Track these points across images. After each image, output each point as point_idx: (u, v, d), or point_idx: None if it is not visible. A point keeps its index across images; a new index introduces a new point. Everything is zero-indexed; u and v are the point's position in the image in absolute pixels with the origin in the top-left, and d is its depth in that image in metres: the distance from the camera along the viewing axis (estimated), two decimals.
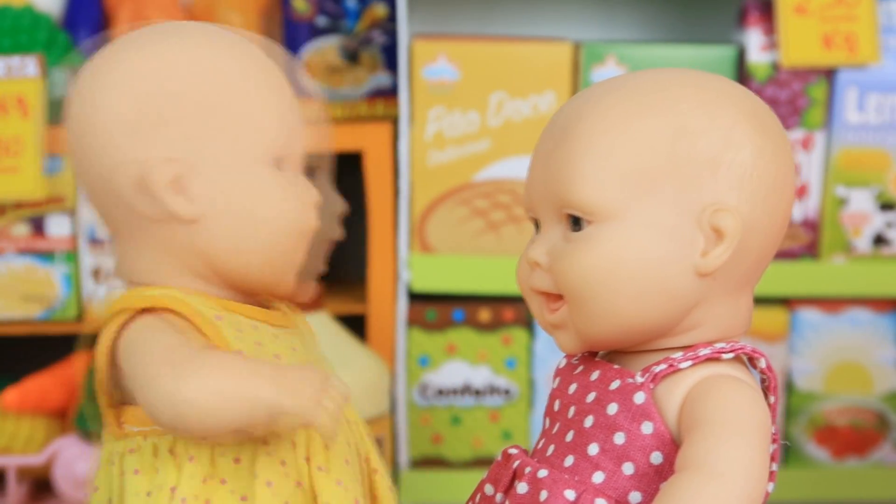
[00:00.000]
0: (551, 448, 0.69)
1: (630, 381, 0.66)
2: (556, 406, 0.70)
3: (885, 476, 1.32)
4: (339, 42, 1.41)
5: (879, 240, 1.29)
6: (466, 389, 1.30)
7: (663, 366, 0.65)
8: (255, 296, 0.73)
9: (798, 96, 1.25)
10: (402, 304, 1.29)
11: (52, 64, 1.28)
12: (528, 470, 0.68)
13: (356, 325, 1.33)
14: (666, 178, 0.65)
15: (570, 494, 0.65)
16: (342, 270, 1.54)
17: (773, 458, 0.66)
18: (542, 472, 0.67)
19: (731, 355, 0.66)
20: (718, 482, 0.59)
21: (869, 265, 1.29)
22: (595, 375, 0.68)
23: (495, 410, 1.30)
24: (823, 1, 1.25)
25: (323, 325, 1.19)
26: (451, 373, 1.30)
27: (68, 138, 0.72)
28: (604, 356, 0.70)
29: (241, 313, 0.71)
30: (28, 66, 1.24)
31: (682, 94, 0.67)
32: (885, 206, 1.28)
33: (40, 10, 1.36)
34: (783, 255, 1.29)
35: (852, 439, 1.33)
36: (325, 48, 1.41)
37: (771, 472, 0.66)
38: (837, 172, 1.26)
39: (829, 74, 1.25)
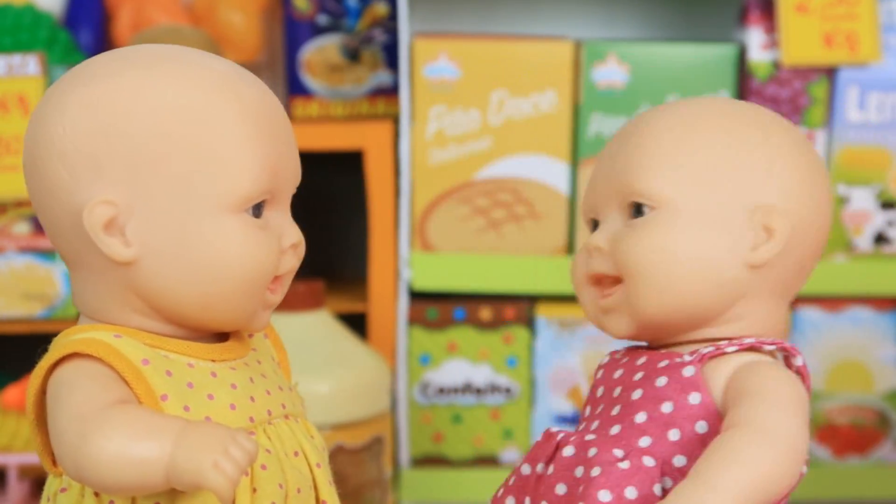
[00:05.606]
0: (595, 423, 0.72)
1: (678, 360, 0.70)
2: (600, 392, 0.73)
3: (885, 475, 1.32)
4: (340, 40, 1.41)
5: (880, 238, 1.29)
6: (467, 388, 1.30)
7: (711, 348, 0.70)
8: (199, 331, 0.71)
9: (799, 95, 1.25)
10: (403, 303, 1.29)
11: (54, 62, 1.28)
12: (573, 438, 0.71)
13: (357, 323, 1.33)
14: (724, 177, 0.71)
15: (618, 452, 0.68)
16: (343, 269, 1.54)
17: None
18: (590, 437, 0.70)
19: (772, 347, 0.71)
20: (766, 437, 0.62)
21: (870, 264, 1.29)
22: (642, 360, 0.72)
23: (496, 409, 1.30)
24: None
25: (323, 324, 1.20)
26: (452, 371, 1.30)
27: (23, 163, 0.70)
28: (647, 349, 0.74)
29: (178, 352, 0.69)
30: (29, 64, 1.24)
31: (737, 115, 0.73)
32: (886, 205, 1.28)
33: (41, 8, 1.36)
34: None
35: (853, 438, 1.33)
36: (326, 47, 1.41)
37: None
38: (838, 171, 1.26)
39: (830, 73, 1.25)
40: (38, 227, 1.26)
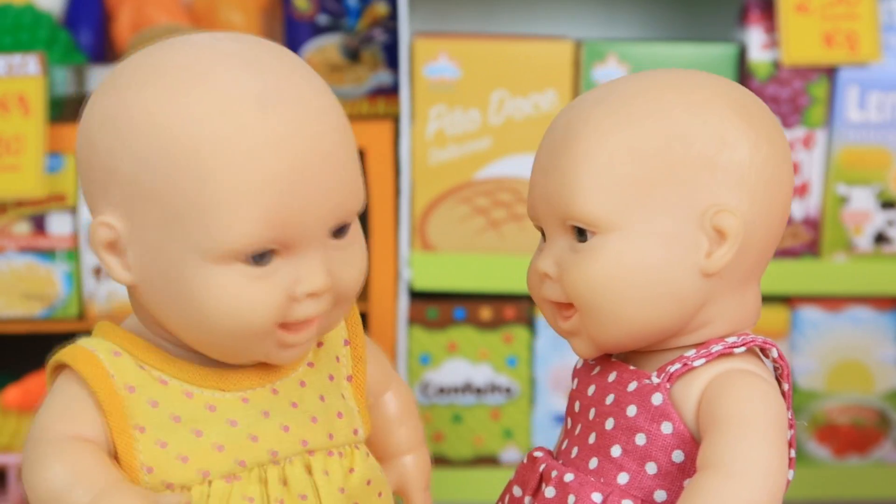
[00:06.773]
0: (575, 450, 0.70)
1: (647, 382, 0.67)
2: (577, 407, 0.72)
3: (886, 474, 1.32)
4: (341, 40, 1.41)
5: (880, 238, 1.29)
6: (467, 388, 1.30)
7: (678, 365, 0.67)
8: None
9: (799, 95, 1.25)
10: (403, 303, 1.29)
11: (53, 62, 1.28)
12: (554, 473, 0.69)
13: None
14: (664, 185, 0.66)
15: (597, 497, 0.67)
16: None
17: (790, 445, 0.67)
18: (569, 476, 0.69)
19: (742, 349, 0.67)
20: (738, 482, 0.61)
21: (870, 263, 1.29)
22: (612, 377, 0.70)
23: (496, 409, 1.30)
24: None
25: None
26: (452, 371, 1.30)
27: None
28: (619, 356, 0.71)
29: (180, 378, 0.66)
30: (29, 64, 1.24)
31: (671, 99, 0.69)
32: (886, 205, 1.28)
33: (41, 8, 1.36)
34: (784, 253, 1.29)
35: (853, 438, 1.33)
36: (327, 46, 1.41)
37: (790, 459, 0.67)
38: (838, 171, 1.26)
39: (830, 73, 1.25)
40: (38, 227, 1.26)
